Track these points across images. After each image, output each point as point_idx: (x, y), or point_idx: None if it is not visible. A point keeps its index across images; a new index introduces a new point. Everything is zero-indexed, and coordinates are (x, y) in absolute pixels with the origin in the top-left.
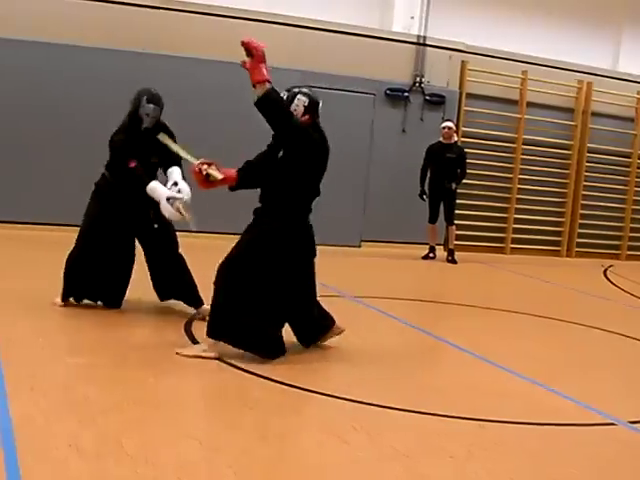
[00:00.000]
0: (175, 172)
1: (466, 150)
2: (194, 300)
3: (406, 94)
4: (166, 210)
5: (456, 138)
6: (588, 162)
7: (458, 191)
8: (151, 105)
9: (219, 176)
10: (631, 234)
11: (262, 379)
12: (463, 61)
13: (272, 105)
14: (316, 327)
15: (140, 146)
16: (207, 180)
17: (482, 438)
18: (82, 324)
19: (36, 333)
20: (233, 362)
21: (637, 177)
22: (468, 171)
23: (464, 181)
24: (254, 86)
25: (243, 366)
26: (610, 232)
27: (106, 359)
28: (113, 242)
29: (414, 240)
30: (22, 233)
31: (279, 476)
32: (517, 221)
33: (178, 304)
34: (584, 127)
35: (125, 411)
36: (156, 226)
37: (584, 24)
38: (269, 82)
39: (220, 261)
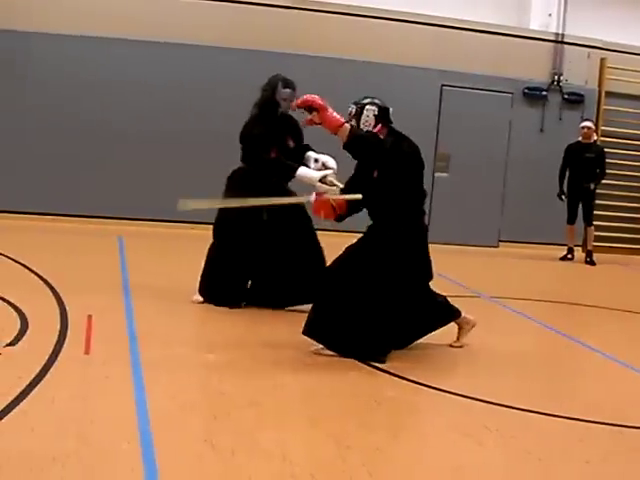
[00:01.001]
0: (311, 154)
1: (605, 150)
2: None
3: (544, 93)
4: (322, 189)
5: (595, 137)
6: None
7: (597, 191)
8: (287, 90)
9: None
10: None
11: (395, 378)
12: (602, 59)
13: (360, 143)
14: (436, 316)
15: (277, 132)
16: (330, 208)
17: (620, 444)
18: (218, 321)
19: (174, 329)
20: (367, 360)
21: None
22: (607, 171)
23: (603, 181)
24: (335, 134)
25: (377, 365)
26: None
27: (242, 356)
28: (253, 238)
29: (552, 241)
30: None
31: (413, 475)
32: None
33: None
34: None
35: (260, 407)
36: (265, 218)
37: None
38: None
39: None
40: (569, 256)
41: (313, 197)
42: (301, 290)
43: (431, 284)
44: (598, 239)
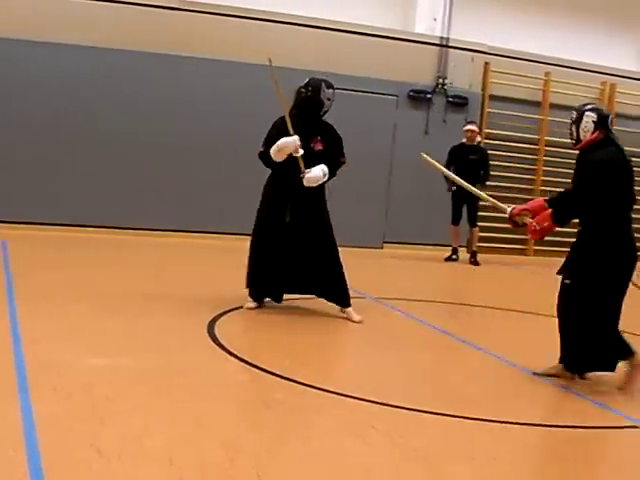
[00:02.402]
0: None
1: (489, 152)
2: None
3: (429, 96)
4: (281, 143)
5: (479, 139)
6: None
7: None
8: (331, 90)
9: (529, 221)
10: None
11: (283, 380)
12: (486, 62)
13: (568, 215)
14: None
15: (305, 133)
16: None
17: (505, 441)
18: (106, 325)
19: (60, 332)
20: (255, 363)
21: None
22: (491, 173)
23: (487, 183)
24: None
25: (264, 367)
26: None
27: (128, 360)
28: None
29: (436, 242)
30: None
31: (302, 477)
32: None
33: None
34: None
35: (147, 411)
36: (287, 220)
37: (608, 25)
38: (550, 222)
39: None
40: (454, 257)
41: (507, 210)
42: (309, 282)
43: None
44: (482, 240)
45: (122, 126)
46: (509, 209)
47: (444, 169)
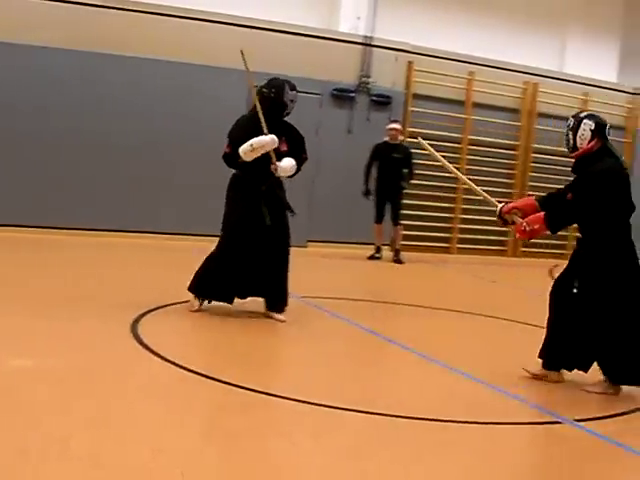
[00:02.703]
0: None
1: (412, 150)
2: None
3: (352, 95)
4: (259, 141)
5: (402, 138)
6: (534, 162)
7: (403, 191)
8: (294, 91)
9: (518, 220)
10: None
11: (208, 379)
12: (409, 62)
13: (563, 223)
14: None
15: (272, 133)
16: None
17: (430, 438)
18: (31, 326)
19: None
20: (179, 362)
21: None
22: (415, 171)
23: (411, 181)
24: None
25: (189, 366)
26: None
27: (53, 361)
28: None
29: (360, 240)
30: None
31: (227, 477)
32: (463, 221)
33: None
34: (530, 128)
35: (71, 413)
36: (268, 223)
37: (530, 25)
38: (543, 226)
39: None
40: (377, 255)
41: (500, 206)
42: (261, 285)
43: None
44: (406, 238)
45: (57, 124)
46: (500, 205)
47: (440, 157)
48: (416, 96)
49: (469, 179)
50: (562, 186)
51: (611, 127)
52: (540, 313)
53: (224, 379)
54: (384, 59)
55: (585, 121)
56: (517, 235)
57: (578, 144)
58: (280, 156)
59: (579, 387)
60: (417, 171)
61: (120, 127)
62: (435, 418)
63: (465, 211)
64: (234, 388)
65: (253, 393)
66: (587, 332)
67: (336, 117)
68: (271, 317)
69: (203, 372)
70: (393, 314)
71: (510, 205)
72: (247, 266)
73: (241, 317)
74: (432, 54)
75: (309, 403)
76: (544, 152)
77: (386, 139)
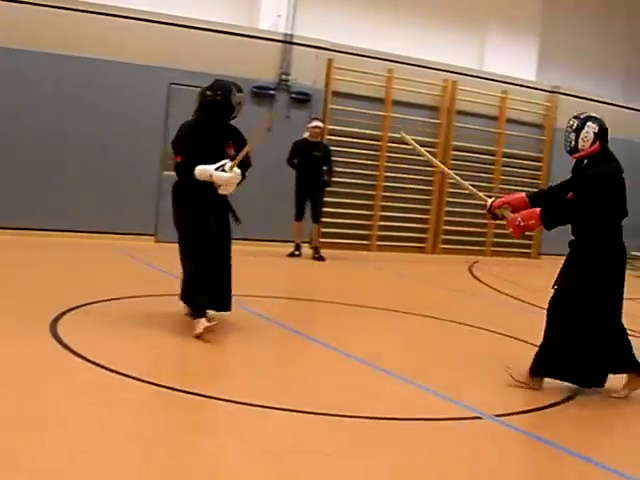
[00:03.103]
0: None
1: (332, 148)
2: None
3: (272, 92)
4: (220, 179)
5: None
6: (453, 160)
7: (326, 189)
8: (241, 94)
9: (510, 215)
10: (495, 230)
11: (131, 380)
12: (329, 59)
13: (561, 222)
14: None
15: (217, 139)
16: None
17: (354, 435)
18: None
19: None
20: (100, 362)
21: (502, 175)
22: (334, 168)
23: (332, 178)
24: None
25: (111, 366)
26: (475, 228)
27: None
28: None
29: (280, 238)
30: None
31: (149, 477)
32: (382, 218)
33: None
34: (449, 125)
35: None
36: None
37: (450, 24)
38: (538, 222)
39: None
40: (297, 252)
41: (490, 201)
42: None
43: None
44: (325, 235)
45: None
46: (490, 200)
47: (423, 151)
48: (336, 94)
49: (387, 177)
50: (480, 183)
51: (529, 125)
52: (459, 310)
53: (147, 379)
54: (304, 57)
55: (589, 123)
56: (511, 230)
57: (580, 145)
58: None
59: (501, 384)
60: (336, 168)
61: (49, 127)
62: (360, 415)
63: (384, 208)
64: (157, 388)
65: (177, 393)
66: (585, 339)
67: (256, 115)
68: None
69: (125, 372)
70: (314, 311)
71: (501, 200)
72: (213, 272)
73: (163, 317)
74: (352, 52)
75: (234, 402)
76: (463, 149)
77: (305, 136)
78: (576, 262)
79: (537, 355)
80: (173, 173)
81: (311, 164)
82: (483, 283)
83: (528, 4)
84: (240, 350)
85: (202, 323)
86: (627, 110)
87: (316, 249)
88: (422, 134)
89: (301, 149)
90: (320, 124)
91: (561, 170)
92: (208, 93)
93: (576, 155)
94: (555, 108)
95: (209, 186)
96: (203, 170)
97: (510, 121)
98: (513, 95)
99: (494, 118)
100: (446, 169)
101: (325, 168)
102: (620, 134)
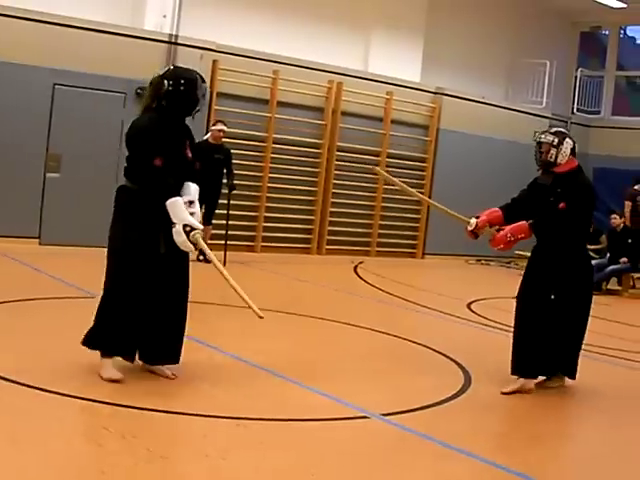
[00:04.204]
0: (192, 188)
1: (232, 151)
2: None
3: None
4: (179, 235)
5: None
6: (338, 161)
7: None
8: (205, 84)
9: (491, 232)
10: (380, 231)
11: (10, 383)
12: (214, 60)
13: (550, 231)
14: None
15: (177, 138)
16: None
17: (240, 436)
18: None
19: None
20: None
21: None
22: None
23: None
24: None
25: None
26: (360, 229)
27: None
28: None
29: None
30: None
31: None
32: (267, 219)
33: None
34: (334, 126)
35: None
36: (163, 251)
37: (335, 25)
38: (528, 235)
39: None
40: (201, 257)
41: (474, 221)
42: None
43: None
44: (215, 237)
45: None
46: (473, 221)
47: (398, 182)
48: (221, 95)
49: (272, 177)
50: (365, 184)
51: (414, 125)
52: (345, 310)
53: (27, 382)
54: (189, 57)
55: (567, 139)
56: (501, 246)
57: (559, 160)
58: (188, 166)
59: (387, 383)
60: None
61: None
62: (246, 417)
63: (269, 209)
64: (39, 392)
65: (58, 396)
66: (560, 337)
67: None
68: (157, 372)
69: (4, 375)
70: (201, 315)
71: (483, 220)
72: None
73: (50, 318)
74: (237, 53)
75: (116, 405)
76: (348, 150)
77: (206, 138)
78: (558, 269)
79: (522, 357)
80: (55, 175)
81: (212, 167)
82: (368, 283)
83: (412, 7)
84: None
85: (107, 367)
86: (510, 111)
87: (202, 251)
88: (307, 135)
89: (202, 151)
90: (224, 127)
91: (445, 170)
92: (169, 82)
93: (558, 169)
94: (439, 109)
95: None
96: (180, 210)
97: (395, 122)
98: (398, 96)
99: (379, 119)
100: (425, 198)
101: (227, 171)
102: (504, 135)
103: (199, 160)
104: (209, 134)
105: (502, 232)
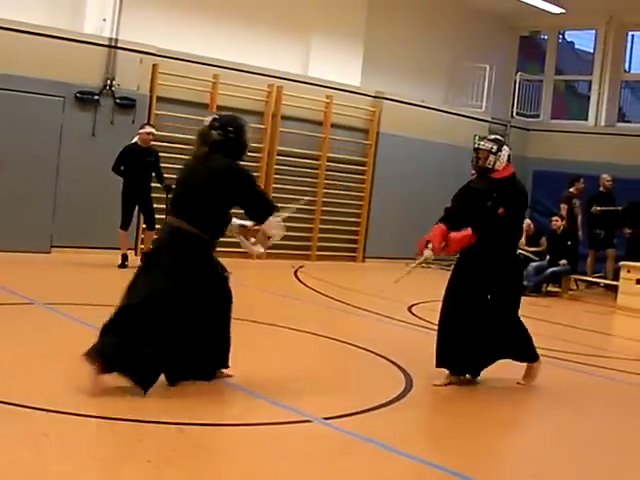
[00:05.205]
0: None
1: (160, 154)
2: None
3: (96, 97)
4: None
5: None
6: (278, 165)
7: (153, 195)
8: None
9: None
10: (320, 235)
11: None
12: (154, 64)
13: (490, 233)
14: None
15: None
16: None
17: (181, 441)
18: None
19: None
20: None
21: (326, 179)
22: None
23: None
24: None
25: None
26: (300, 233)
27: None
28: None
29: (105, 245)
30: None
31: None
32: None
33: None
34: (274, 130)
35: None
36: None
37: (276, 30)
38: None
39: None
40: (126, 263)
41: (430, 253)
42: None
43: None
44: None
45: None
46: (429, 253)
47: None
48: (161, 99)
49: None
50: (306, 187)
51: (354, 129)
52: (286, 314)
53: None
54: (129, 61)
55: (505, 147)
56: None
57: (497, 166)
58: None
59: (330, 387)
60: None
61: None
62: (186, 422)
63: None
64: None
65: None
66: (493, 334)
67: (80, 120)
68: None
69: None
70: None
71: (436, 248)
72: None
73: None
74: (177, 57)
75: (56, 412)
76: (288, 154)
77: (135, 141)
78: (494, 270)
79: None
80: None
81: (142, 170)
82: (309, 287)
83: (352, 11)
84: (59, 358)
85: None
86: (450, 115)
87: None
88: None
89: (132, 155)
90: (153, 130)
91: (385, 174)
92: (217, 132)
93: (496, 175)
94: (379, 113)
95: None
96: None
97: (335, 126)
98: (338, 100)
99: (319, 123)
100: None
101: (156, 174)
102: (444, 139)
103: (130, 164)
104: (137, 137)
105: (452, 241)
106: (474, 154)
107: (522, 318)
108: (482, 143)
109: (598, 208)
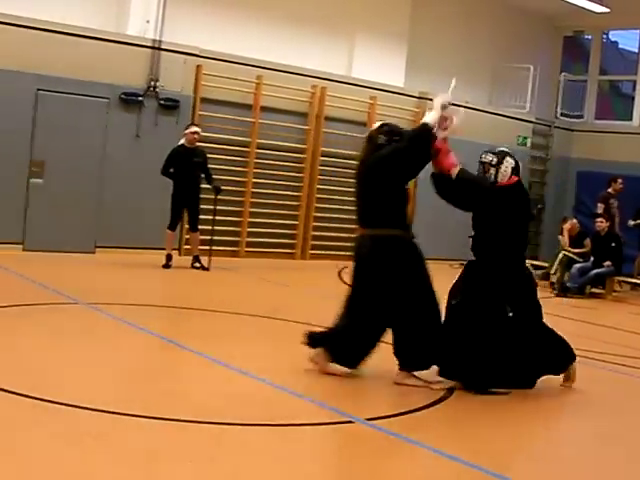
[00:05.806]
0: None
1: (208, 154)
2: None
3: (140, 98)
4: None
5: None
6: (322, 166)
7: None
8: None
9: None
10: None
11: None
12: (198, 65)
13: (485, 246)
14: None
15: None
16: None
17: (224, 441)
18: None
19: None
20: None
21: None
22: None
23: (203, 186)
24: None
25: None
26: (344, 234)
27: None
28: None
29: (150, 245)
30: None
31: None
32: (251, 225)
33: None
34: (318, 131)
35: None
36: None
37: (319, 30)
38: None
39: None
40: (170, 263)
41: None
42: None
43: None
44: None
45: None
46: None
47: None
48: (204, 100)
49: (255, 183)
50: (349, 188)
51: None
52: (332, 315)
53: (8, 388)
54: (173, 63)
55: (507, 159)
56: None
57: (499, 179)
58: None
59: (371, 387)
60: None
61: None
62: (231, 422)
63: (253, 214)
64: (23, 398)
65: (43, 402)
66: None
67: (124, 121)
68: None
69: None
70: (184, 319)
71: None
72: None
73: (36, 326)
74: (221, 58)
75: (101, 411)
76: (331, 155)
77: (182, 142)
78: (505, 281)
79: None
80: (39, 180)
81: (190, 171)
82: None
83: (396, 11)
84: (106, 357)
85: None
86: (493, 116)
87: (196, 258)
88: (291, 140)
89: (180, 156)
90: (198, 129)
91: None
92: (383, 138)
93: (495, 186)
94: (423, 113)
95: None
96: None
97: None
98: (381, 101)
99: (363, 124)
100: None
101: (204, 175)
102: (487, 140)
103: (179, 166)
104: (184, 138)
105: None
106: (479, 167)
107: (565, 320)
108: (484, 156)
109: (632, 223)
